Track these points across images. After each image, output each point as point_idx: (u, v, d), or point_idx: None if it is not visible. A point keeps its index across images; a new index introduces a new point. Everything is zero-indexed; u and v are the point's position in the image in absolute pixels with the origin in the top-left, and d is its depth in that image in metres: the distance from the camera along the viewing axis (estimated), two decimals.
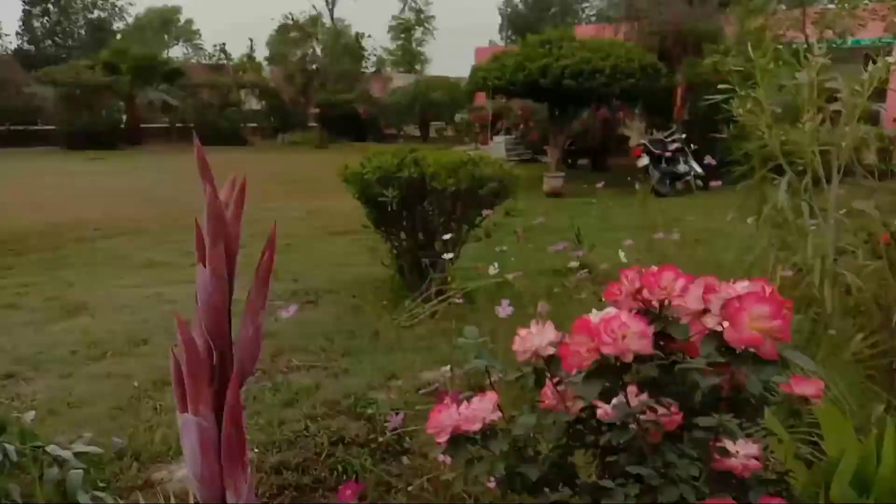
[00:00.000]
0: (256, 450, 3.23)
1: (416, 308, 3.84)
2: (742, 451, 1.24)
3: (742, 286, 1.08)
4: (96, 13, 45.98)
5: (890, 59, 2.75)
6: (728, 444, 1.23)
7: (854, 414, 2.65)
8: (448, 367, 2.63)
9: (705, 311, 1.07)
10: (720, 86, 2.88)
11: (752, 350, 1.05)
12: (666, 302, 1.06)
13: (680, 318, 1.08)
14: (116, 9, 47.01)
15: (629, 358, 1.01)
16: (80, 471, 2.58)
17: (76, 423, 3.51)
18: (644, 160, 11.83)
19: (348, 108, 22.95)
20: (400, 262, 5.72)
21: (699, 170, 11.74)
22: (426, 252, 5.24)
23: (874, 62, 2.77)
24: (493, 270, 3.18)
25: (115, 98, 21.29)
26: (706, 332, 1.08)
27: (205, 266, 0.44)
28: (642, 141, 13.21)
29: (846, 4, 11.28)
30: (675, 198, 10.38)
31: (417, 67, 36.02)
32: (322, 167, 14.60)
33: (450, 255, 4.04)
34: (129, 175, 14.37)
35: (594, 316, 1.05)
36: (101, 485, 2.86)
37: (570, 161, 15.70)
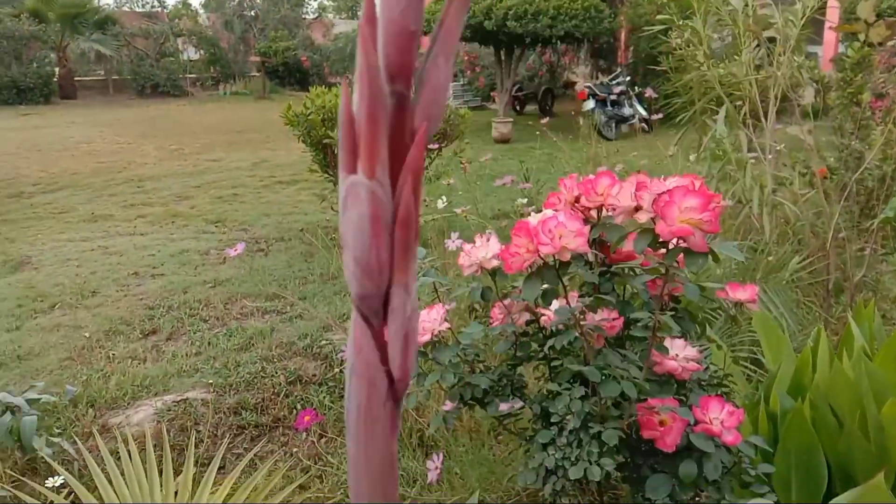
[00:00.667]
0: (213, 392, 3.26)
1: None
2: (681, 354, 1.31)
3: (672, 181, 1.12)
4: None
5: None
6: (668, 345, 1.30)
7: (793, 335, 2.79)
8: None
9: (638, 207, 1.11)
10: (659, 17, 2.93)
11: (683, 243, 1.09)
12: (602, 208, 1.11)
13: (615, 219, 1.12)
14: None
15: (566, 257, 1.05)
16: (34, 417, 2.57)
17: (27, 374, 3.48)
18: (590, 103, 11.90)
19: (290, 56, 22.35)
20: None
21: (644, 112, 11.87)
22: None
23: None
24: (441, 204, 3.21)
25: (45, 49, 20.29)
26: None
27: None
28: (587, 85, 13.26)
29: None
30: (621, 141, 10.51)
31: (360, 13, 35.12)
32: (266, 117, 14.30)
33: None
34: (65, 129, 13.84)
35: (533, 218, 1.09)
36: (57, 431, 2.87)
37: (517, 108, 15.67)
